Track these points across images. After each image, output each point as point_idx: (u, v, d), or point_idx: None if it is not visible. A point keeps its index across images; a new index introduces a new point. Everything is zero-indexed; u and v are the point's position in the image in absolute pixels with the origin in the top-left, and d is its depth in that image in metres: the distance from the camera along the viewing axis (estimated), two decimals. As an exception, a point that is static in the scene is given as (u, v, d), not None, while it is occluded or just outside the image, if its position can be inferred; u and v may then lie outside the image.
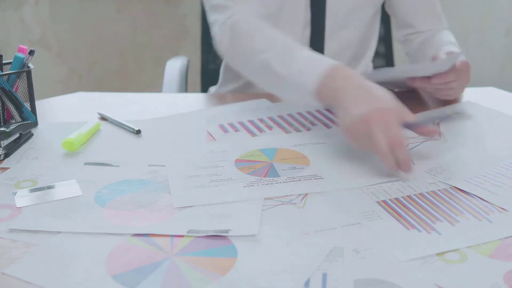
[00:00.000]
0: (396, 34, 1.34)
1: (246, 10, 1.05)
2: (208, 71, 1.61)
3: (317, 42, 1.24)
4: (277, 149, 0.92)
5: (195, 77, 1.65)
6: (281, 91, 0.97)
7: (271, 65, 0.93)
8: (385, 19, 1.52)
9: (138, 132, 0.99)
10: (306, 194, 0.77)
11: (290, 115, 1.05)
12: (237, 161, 0.88)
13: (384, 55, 1.60)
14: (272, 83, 0.96)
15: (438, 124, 0.99)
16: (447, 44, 1.19)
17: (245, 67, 1.04)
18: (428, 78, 0.97)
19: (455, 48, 1.15)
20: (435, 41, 1.23)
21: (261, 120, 1.03)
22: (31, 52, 1.01)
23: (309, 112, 1.06)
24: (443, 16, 1.30)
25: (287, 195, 0.77)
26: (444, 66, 0.98)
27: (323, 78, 0.86)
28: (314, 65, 0.88)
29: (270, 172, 0.84)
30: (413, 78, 0.99)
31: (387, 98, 0.82)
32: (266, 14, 1.08)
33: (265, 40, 0.97)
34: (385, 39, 1.59)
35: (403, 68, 0.99)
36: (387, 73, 1.00)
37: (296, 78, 0.90)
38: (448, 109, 1.07)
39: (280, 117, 1.05)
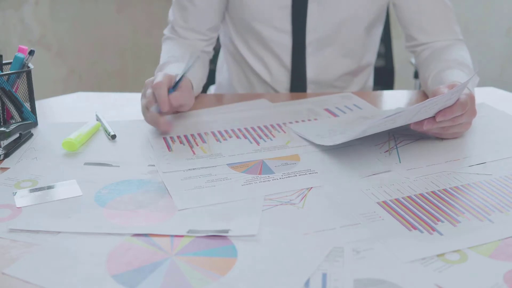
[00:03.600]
0: (405, 44, 1.28)
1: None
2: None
3: (298, 55, 1.27)
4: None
5: (195, 77, 1.65)
6: None
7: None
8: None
9: (113, 137, 0.97)
10: (306, 194, 0.77)
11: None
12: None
13: (384, 55, 1.60)
14: None
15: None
16: (452, 71, 1.06)
17: None
18: (433, 118, 0.86)
19: (459, 73, 1.05)
20: (435, 65, 1.12)
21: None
22: (31, 52, 1.01)
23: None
24: (454, 25, 1.21)
25: (286, 195, 0.77)
26: (448, 99, 0.85)
27: None
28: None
29: (264, 169, 0.85)
30: (419, 123, 0.87)
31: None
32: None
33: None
34: (385, 38, 1.59)
35: (404, 113, 0.80)
36: (388, 124, 0.84)
37: None
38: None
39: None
